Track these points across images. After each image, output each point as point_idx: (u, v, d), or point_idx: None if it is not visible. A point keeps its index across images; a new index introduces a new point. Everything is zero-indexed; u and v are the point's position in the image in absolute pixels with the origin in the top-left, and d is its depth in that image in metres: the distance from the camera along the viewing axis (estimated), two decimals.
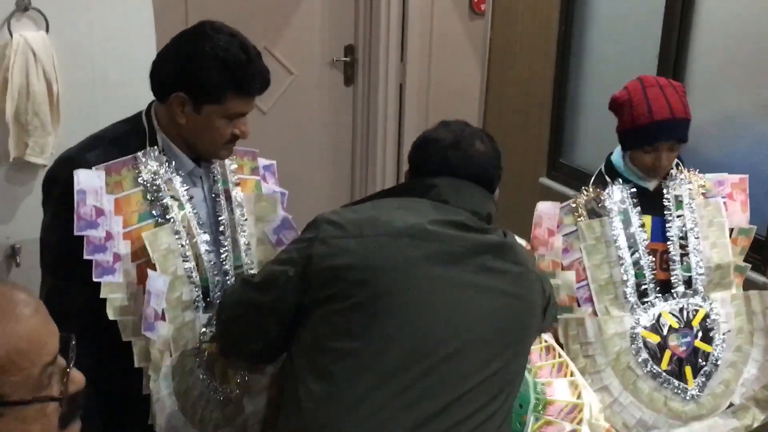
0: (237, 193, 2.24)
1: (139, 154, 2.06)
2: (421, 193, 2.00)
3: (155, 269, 2.00)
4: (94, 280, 1.96)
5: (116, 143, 2.07)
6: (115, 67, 3.14)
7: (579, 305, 2.49)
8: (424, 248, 1.86)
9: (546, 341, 2.48)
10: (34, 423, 1.16)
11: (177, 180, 2.09)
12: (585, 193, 2.55)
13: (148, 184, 2.05)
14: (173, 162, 2.10)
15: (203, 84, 2.00)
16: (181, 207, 2.08)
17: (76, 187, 1.96)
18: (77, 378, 1.24)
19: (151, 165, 2.06)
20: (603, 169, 2.61)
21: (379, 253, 1.86)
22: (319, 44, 4.67)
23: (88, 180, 1.98)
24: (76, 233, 1.95)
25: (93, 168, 2.00)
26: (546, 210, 2.54)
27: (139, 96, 3.14)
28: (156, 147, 2.08)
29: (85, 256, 1.96)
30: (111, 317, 1.98)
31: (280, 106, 4.56)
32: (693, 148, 3.32)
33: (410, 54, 4.67)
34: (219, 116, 2.03)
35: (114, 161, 2.03)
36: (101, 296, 1.96)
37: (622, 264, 2.47)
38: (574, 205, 2.54)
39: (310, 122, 4.74)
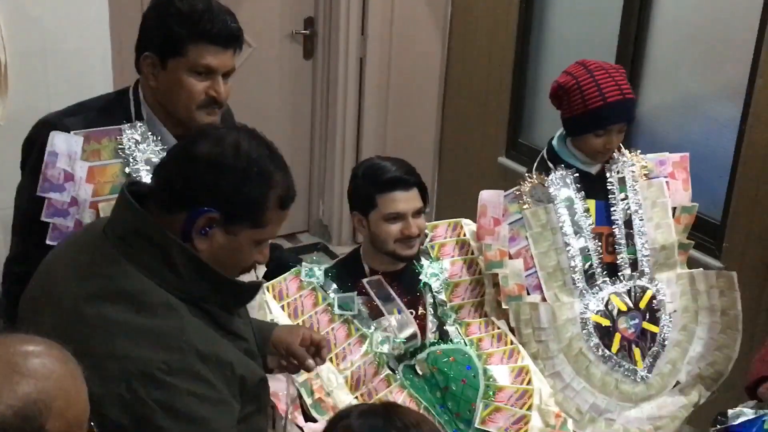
0: None
1: (124, 125, 2.09)
2: None
3: None
4: (47, 242, 2.01)
5: (100, 113, 2.11)
6: (66, 35, 3.09)
7: (528, 293, 2.56)
8: None
9: (499, 328, 2.48)
10: None
11: (159, 156, 2.11)
12: (529, 180, 2.56)
13: (129, 158, 2.08)
14: (157, 136, 2.12)
15: (163, 36, 2.01)
16: None
17: (48, 149, 2.01)
18: None
19: (134, 137, 2.08)
20: (545, 155, 2.62)
21: None
22: (278, 16, 4.64)
23: (63, 143, 2.02)
24: (37, 194, 2.01)
25: (72, 132, 2.04)
26: (489, 199, 2.57)
27: (91, 66, 3.11)
28: (140, 121, 2.10)
29: (42, 218, 2.02)
30: None
31: (238, 79, 4.44)
32: (650, 130, 3.34)
33: (371, 28, 4.64)
34: (185, 71, 2.01)
35: (96, 129, 2.07)
36: None
37: (569, 250, 2.53)
38: (518, 193, 2.58)
39: (269, 96, 4.70)
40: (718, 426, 2.27)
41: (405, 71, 4.72)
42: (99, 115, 2.09)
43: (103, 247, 1.54)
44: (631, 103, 2.52)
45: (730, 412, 2.27)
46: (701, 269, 2.69)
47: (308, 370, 1.97)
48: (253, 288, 1.67)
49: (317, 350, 1.97)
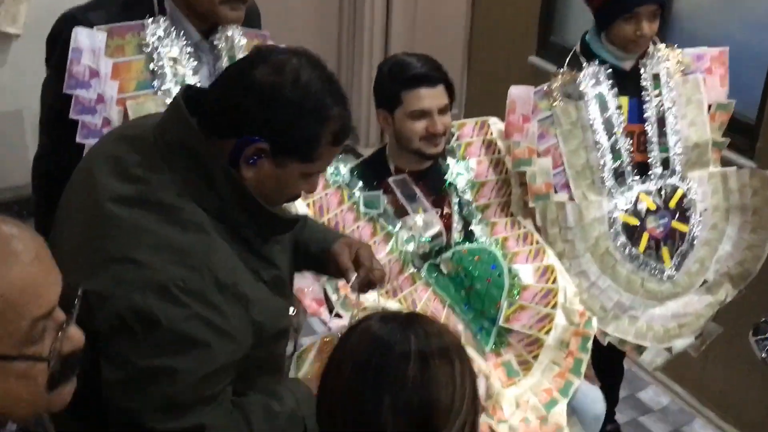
0: None
1: (147, 20, 2.06)
2: None
3: None
4: (77, 141, 2.01)
5: (123, 7, 2.08)
6: None
7: (556, 192, 2.52)
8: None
9: (525, 228, 2.48)
10: (18, 381, 1.05)
11: (183, 52, 2.09)
12: (560, 75, 2.48)
13: (152, 53, 2.05)
14: (181, 32, 2.08)
15: None
16: (182, 81, 2.08)
17: (72, 45, 1.99)
18: (75, 336, 1.11)
19: (157, 33, 2.05)
20: (578, 50, 2.55)
21: None
22: None
23: (86, 39, 2.00)
24: (64, 91, 2.00)
25: (95, 28, 2.01)
26: (519, 95, 2.52)
27: None
28: (164, 16, 2.07)
29: (71, 116, 2.00)
30: None
31: None
32: (687, 25, 3.24)
33: None
34: None
35: (119, 24, 2.04)
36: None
37: (599, 148, 2.49)
38: (548, 89, 2.52)
39: None
40: (760, 336, 2.25)
41: None
42: (121, 9, 2.05)
43: (149, 150, 1.52)
44: None
45: None
46: (734, 167, 2.64)
47: (347, 280, 1.97)
48: (291, 221, 1.65)
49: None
